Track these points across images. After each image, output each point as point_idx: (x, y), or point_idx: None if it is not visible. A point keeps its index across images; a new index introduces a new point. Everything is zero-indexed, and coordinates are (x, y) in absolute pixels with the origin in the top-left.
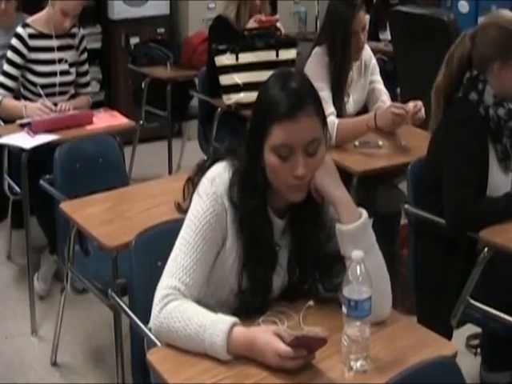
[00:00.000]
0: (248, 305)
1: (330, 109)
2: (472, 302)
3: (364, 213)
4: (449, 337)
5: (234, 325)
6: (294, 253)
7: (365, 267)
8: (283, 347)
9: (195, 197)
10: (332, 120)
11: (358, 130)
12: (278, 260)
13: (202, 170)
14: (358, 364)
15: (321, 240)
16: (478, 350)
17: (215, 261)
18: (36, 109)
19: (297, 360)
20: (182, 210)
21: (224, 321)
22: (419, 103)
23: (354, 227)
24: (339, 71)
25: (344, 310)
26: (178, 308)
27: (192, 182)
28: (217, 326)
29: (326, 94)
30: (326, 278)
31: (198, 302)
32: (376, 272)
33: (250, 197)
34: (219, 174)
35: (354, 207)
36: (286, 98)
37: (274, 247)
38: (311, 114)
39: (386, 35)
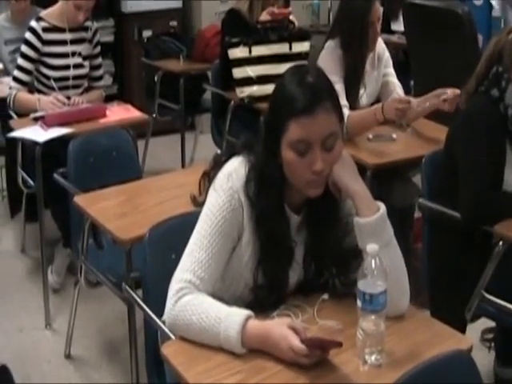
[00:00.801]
0: (263, 300)
1: (342, 101)
2: (487, 295)
3: (382, 206)
4: (463, 331)
5: (248, 318)
6: (310, 248)
7: (380, 261)
8: (298, 344)
9: (211, 192)
10: (344, 113)
11: (368, 122)
12: (294, 256)
13: (218, 164)
14: (373, 358)
15: (338, 235)
16: (492, 344)
17: (231, 256)
18: (49, 102)
19: (310, 357)
20: (198, 203)
21: (238, 314)
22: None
23: (372, 220)
24: (355, 63)
25: (359, 303)
26: (193, 301)
27: (208, 176)
28: (231, 318)
29: (339, 87)
30: (343, 273)
31: (213, 296)
32: (394, 265)
33: (267, 194)
34: (236, 169)
35: (372, 200)
36: (303, 94)
37: (291, 244)
38: (328, 108)
39: (399, 27)
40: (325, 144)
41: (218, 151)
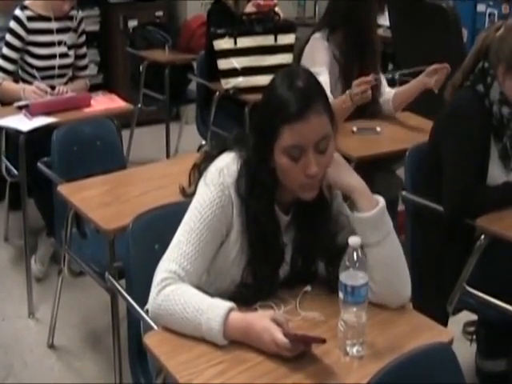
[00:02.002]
0: (249, 297)
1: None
2: (468, 288)
3: (381, 199)
4: (445, 323)
5: (230, 310)
6: (298, 247)
7: (362, 253)
8: (281, 338)
9: (202, 185)
10: None
11: (339, 110)
12: (284, 258)
13: (209, 157)
14: (354, 349)
15: (327, 234)
16: (474, 337)
17: (218, 250)
18: (32, 92)
19: (293, 350)
20: (187, 194)
21: (221, 306)
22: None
23: (373, 214)
24: (345, 56)
25: (341, 295)
26: (176, 291)
27: (198, 169)
28: (213, 310)
29: (323, 79)
30: (334, 271)
31: (197, 288)
32: (395, 256)
33: (258, 196)
34: (227, 165)
35: (370, 195)
36: (294, 99)
37: (282, 246)
38: (320, 111)
39: (385, 21)
40: (318, 147)
41: (203, 142)
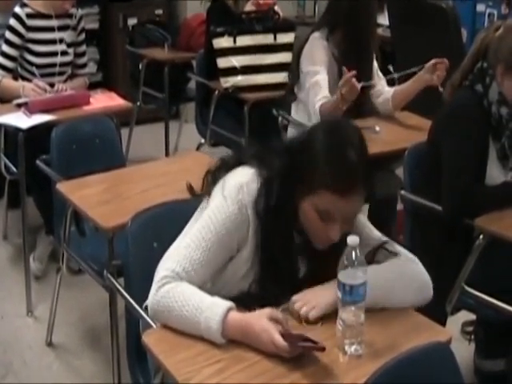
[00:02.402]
0: (252, 305)
1: (323, 93)
2: (467, 288)
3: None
4: (443, 323)
5: (229, 309)
6: (312, 267)
7: (360, 252)
8: (280, 340)
9: (219, 196)
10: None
11: (335, 108)
12: (296, 266)
13: (225, 165)
14: (353, 349)
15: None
16: (472, 336)
17: (227, 264)
18: (30, 89)
19: (291, 352)
20: (193, 192)
21: (220, 305)
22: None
23: None
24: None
25: (339, 294)
26: (176, 288)
27: (213, 175)
28: (213, 309)
29: (321, 78)
30: None
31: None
32: (407, 282)
33: (277, 221)
34: (248, 182)
35: None
36: (343, 175)
37: (296, 270)
38: (361, 192)
39: (384, 21)
40: (348, 220)
41: (202, 140)
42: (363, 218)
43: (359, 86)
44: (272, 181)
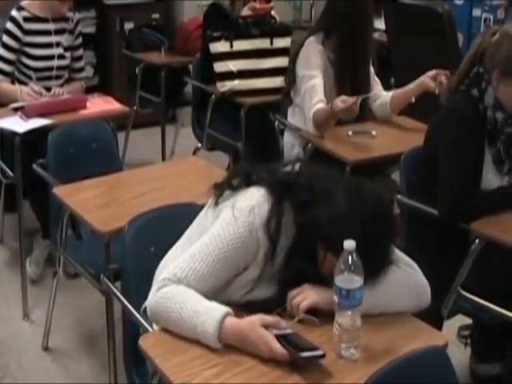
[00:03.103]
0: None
1: (318, 96)
2: (463, 292)
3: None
4: (439, 327)
5: (226, 314)
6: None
7: (356, 257)
8: (279, 349)
9: (229, 214)
10: (316, 108)
11: (327, 117)
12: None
13: (245, 178)
14: (349, 353)
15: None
16: (468, 340)
17: (232, 280)
18: (26, 93)
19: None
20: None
21: (217, 310)
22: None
23: None
24: (340, 59)
25: (336, 298)
26: (175, 290)
27: (221, 188)
28: (209, 314)
29: (317, 82)
30: None
31: None
32: (404, 288)
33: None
34: (259, 204)
35: None
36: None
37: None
38: None
39: (381, 25)
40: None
41: (199, 144)
42: None
43: (357, 110)
44: (286, 197)
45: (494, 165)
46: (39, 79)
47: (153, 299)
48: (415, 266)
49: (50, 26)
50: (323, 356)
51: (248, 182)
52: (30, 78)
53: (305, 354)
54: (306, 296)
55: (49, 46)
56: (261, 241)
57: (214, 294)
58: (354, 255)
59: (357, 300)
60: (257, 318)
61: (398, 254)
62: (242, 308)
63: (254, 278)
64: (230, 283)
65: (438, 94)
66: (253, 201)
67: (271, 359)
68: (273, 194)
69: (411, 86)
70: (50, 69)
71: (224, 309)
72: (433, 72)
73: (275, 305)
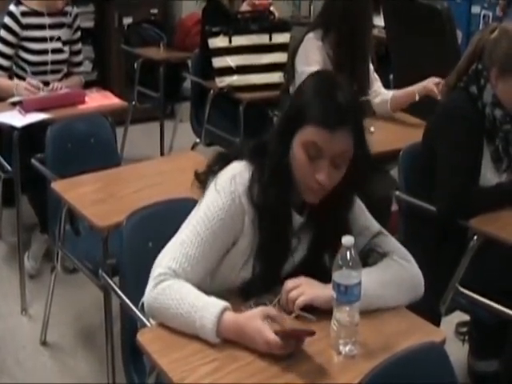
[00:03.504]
0: (257, 291)
1: None
2: (461, 289)
3: None
4: (437, 323)
5: (225, 309)
6: (313, 247)
7: (355, 252)
8: (272, 338)
9: (212, 191)
10: None
11: None
12: (291, 251)
13: (222, 161)
14: (347, 348)
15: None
16: (466, 337)
17: (224, 258)
18: (24, 88)
19: (285, 349)
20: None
21: (215, 305)
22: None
23: None
24: (339, 56)
25: (334, 294)
26: (173, 286)
27: (210, 170)
28: (208, 309)
29: None
30: None
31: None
32: (400, 282)
33: (276, 185)
34: (240, 172)
35: None
36: (332, 112)
37: (290, 238)
38: (349, 131)
39: (380, 22)
40: (334, 160)
41: (197, 140)
42: (362, 206)
43: None
44: (271, 153)
45: (492, 162)
46: (36, 73)
47: (150, 295)
48: (410, 257)
49: (46, 20)
50: (313, 333)
51: (227, 162)
52: (27, 72)
53: (293, 330)
54: (302, 291)
55: (44, 40)
56: (245, 207)
57: (211, 277)
58: (352, 251)
59: (355, 296)
60: (259, 310)
61: (394, 244)
62: (240, 291)
63: (245, 250)
64: (224, 261)
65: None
66: (234, 171)
67: (269, 354)
68: (252, 162)
69: (413, 88)
70: (46, 63)
71: (223, 303)
72: (436, 80)
73: (270, 282)
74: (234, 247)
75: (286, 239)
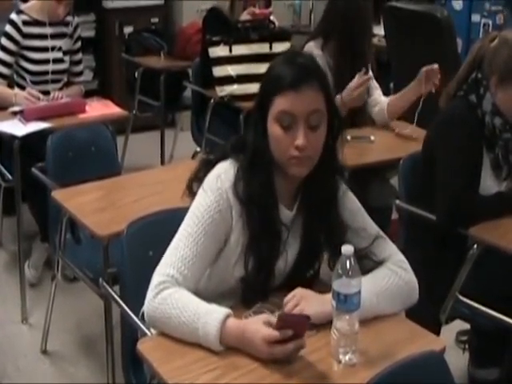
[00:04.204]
0: (252, 290)
1: None
2: (461, 297)
3: None
4: (437, 332)
5: (227, 316)
6: (305, 245)
7: (355, 261)
8: (269, 330)
9: (200, 192)
10: None
11: None
12: (282, 241)
13: (207, 163)
14: (347, 357)
15: (331, 231)
16: (467, 345)
17: (217, 257)
18: (23, 97)
19: (285, 346)
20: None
21: (218, 311)
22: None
23: None
24: (338, 65)
25: (333, 303)
26: (174, 295)
27: (197, 177)
28: (211, 315)
29: None
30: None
31: (199, 294)
32: (396, 291)
33: (259, 175)
34: (225, 170)
35: None
36: (291, 71)
37: (280, 231)
38: (315, 87)
39: (380, 30)
40: (309, 121)
41: (198, 149)
42: (361, 208)
43: (364, 90)
44: (249, 146)
45: (492, 170)
46: (37, 83)
47: (151, 305)
48: (406, 264)
49: (47, 30)
50: (308, 318)
51: (213, 166)
52: (27, 81)
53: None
54: (302, 309)
55: (45, 49)
56: (232, 202)
57: (208, 279)
58: (352, 260)
59: (355, 305)
60: (259, 317)
61: (391, 249)
62: (236, 292)
63: (236, 247)
64: (218, 261)
65: (433, 101)
66: (219, 170)
67: (270, 362)
68: (236, 159)
69: (405, 91)
70: (46, 73)
71: (225, 310)
72: (423, 72)
73: (265, 278)
74: (227, 244)
75: (275, 232)
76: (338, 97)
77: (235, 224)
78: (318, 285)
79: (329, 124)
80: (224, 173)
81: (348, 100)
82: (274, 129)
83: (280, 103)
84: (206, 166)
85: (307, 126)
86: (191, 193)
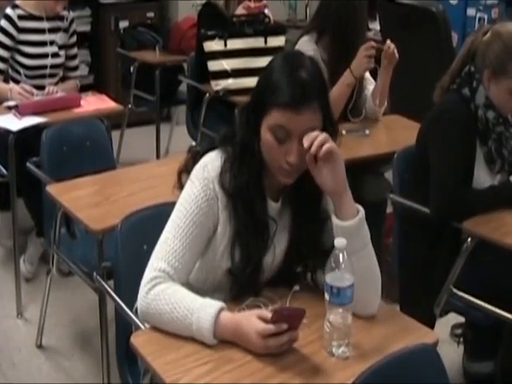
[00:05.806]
0: (240, 283)
1: None
2: (455, 291)
3: (361, 210)
4: (432, 325)
5: (221, 310)
6: (293, 237)
7: (347, 255)
8: (264, 325)
9: (188, 182)
10: None
11: (342, 92)
12: (270, 235)
13: (196, 156)
14: (340, 350)
15: (316, 226)
16: (461, 339)
17: (207, 248)
18: (17, 92)
19: (279, 338)
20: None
21: (212, 305)
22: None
23: (350, 224)
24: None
25: (326, 296)
26: (166, 291)
27: (187, 169)
28: (205, 310)
29: None
30: (320, 266)
31: (191, 287)
32: (369, 268)
33: (246, 170)
34: (212, 160)
35: (352, 204)
36: (292, 89)
37: (267, 223)
38: (314, 108)
39: (375, 25)
40: (303, 137)
41: (193, 143)
42: None
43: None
44: (240, 140)
45: (485, 164)
46: (33, 77)
47: (144, 301)
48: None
49: (45, 25)
50: (303, 311)
51: (200, 158)
52: (23, 76)
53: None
54: (324, 140)
55: (43, 44)
56: (218, 193)
57: (199, 271)
58: (345, 253)
59: (348, 298)
60: (254, 311)
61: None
62: (224, 284)
63: (222, 239)
64: (206, 253)
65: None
66: (206, 160)
67: (263, 355)
68: (223, 150)
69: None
70: (44, 67)
71: (218, 304)
72: (362, 50)
73: (252, 271)
74: (214, 235)
75: (262, 224)
76: (346, 73)
77: (221, 214)
78: (304, 287)
79: (322, 129)
80: (210, 162)
81: (356, 68)
82: (267, 136)
83: (276, 116)
84: (195, 158)
85: (301, 142)
86: (181, 185)
